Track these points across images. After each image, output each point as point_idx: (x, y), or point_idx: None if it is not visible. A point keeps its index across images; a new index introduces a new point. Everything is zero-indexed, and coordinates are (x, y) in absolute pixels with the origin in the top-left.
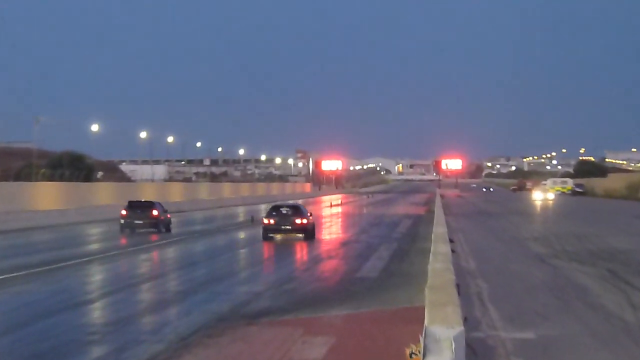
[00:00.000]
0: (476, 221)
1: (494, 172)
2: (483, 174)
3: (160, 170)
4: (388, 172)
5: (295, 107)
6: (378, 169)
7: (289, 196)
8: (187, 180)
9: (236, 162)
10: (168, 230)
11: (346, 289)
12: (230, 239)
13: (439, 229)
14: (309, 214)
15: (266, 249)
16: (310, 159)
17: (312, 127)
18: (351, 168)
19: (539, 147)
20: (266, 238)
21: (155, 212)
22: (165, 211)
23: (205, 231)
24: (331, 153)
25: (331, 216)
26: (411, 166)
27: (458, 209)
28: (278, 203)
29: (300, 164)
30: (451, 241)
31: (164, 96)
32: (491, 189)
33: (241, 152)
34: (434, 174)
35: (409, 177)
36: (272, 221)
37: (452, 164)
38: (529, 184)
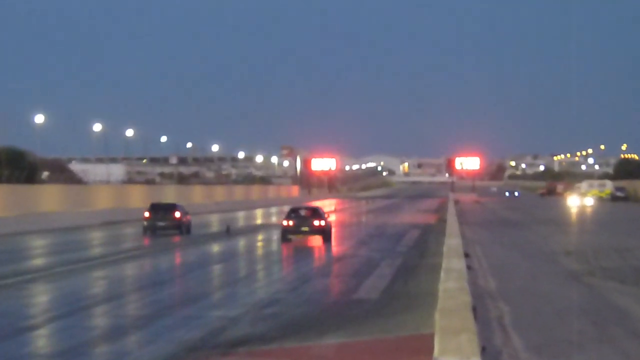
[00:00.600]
0: (497, 232)
1: (519, 173)
2: (505, 176)
3: (117, 170)
4: (391, 172)
5: (281, 98)
6: (379, 169)
7: (273, 201)
8: (150, 182)
9: (209, 160)
10: (188, 232)
11: (340, 312)
12: (203, 253)
13: (452, 240)
14: (327, 216)
15: (246, 265)
16: (298, 158)
17: (301, 120)
18: (347, 168)
19: (573, 143)
20: (285, 240)
21: (178, 214)
22: (187, 213)
23: (172, 244)
24: (323, 150)
25: None
26: (419, 165)
27: (475, 217)
28: (296, 205)
29: (285, 163)
30: (466, 256)
31: (123, 83)
32: (515, 194)
33: (215, 148)
34: (447, 175)
35: (417, 179)
36: (290, 223)
37: (469, 163)
38: (560, 188)
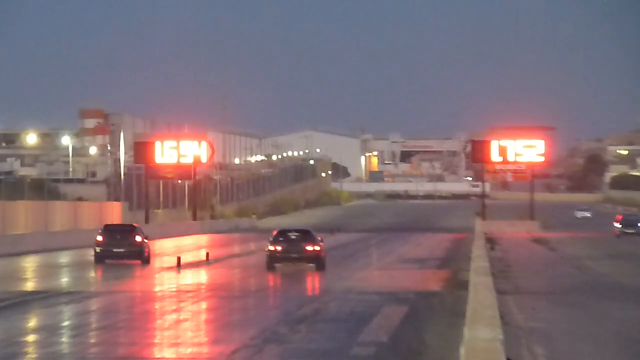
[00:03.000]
0: (587, 313)
1: (637, 173)
2: (606, 179)
3: None
4: (342, 171)
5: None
6: (313, 162)
7: (39, 241)
8: None
9: None
10: (147, 261)
11: None
12: None
13: (478, 331)
14: (319, 239)
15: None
16: (122, 137)
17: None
18: (238, 161)
19: None
20: (271, 268)
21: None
22: (146, 237)
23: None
24: (183, 123)
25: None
26: (409, 154)
27: (535, 275)
28: (285, 228)
29: (93, 150)
30: None
31: None
32: None
33: None
34: (468, 178)
35: (399, 186)
36: (278, 248)
37: (521, 148)
38: None
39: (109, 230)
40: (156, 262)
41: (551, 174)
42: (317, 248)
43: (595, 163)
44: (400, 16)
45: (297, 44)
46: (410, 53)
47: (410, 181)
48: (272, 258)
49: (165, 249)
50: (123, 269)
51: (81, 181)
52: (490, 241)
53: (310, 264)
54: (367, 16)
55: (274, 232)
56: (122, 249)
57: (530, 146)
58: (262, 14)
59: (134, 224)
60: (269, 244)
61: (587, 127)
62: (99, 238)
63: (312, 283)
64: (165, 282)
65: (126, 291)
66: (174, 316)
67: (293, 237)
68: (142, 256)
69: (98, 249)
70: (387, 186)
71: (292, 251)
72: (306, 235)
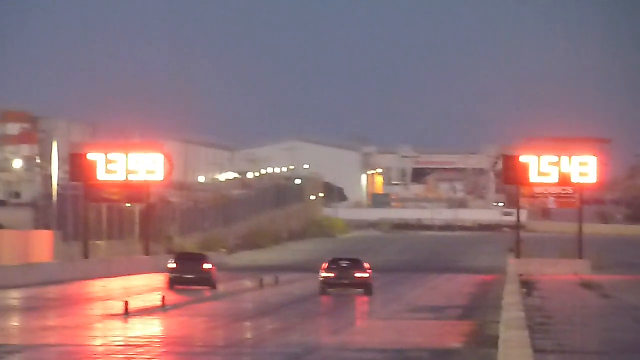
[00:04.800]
0: None
1: None
2: None
3: None
4: (339, 194)
5: None
6: (299, 181)
7: None
8: None
9: None
10: (214, 286)
11: None
12: None
13: None
14: (368, 267)
15: None
16: (55, 145)
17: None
18: (203, 179)
19: None
20: (324, 293)
21: (207, 266)
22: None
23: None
24: (131, 129)
25: None
26: (422, 172)
27: (582, 330)
28: (336, 257)
29: (18, 164)
30: None
31: None
32: None
33: None
34: (499, 204)
35: (409, 214)
36: (331, 274)
37: (567, 165)
38: None
39: (181, 258)
40: (98, 308)
41: (605, 199)
42: (366, 275)
43: None
44: (413, 7)
45: (280, 34)
46: (424, 47)
47: (424, 207)
48: (325, 284)
49: (109, 291)
50: (56, 316)
51: (1, 203)
52: (527, 285)
53: (359, 289)
54: (371, 4)
55: (325, 264)
56: (192, 275)
57: (579, 163)
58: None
59: (203, 253)
60: (322, 271)
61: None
62: (172, 265)
63: (299, 336)
64: (108, 333)
65: (57, 345)
66: None
67: (344, 265)
68: (210, 282)
69: (171, 275)
70: (395, 213)
71: (344, 277)
72: (356, 263)
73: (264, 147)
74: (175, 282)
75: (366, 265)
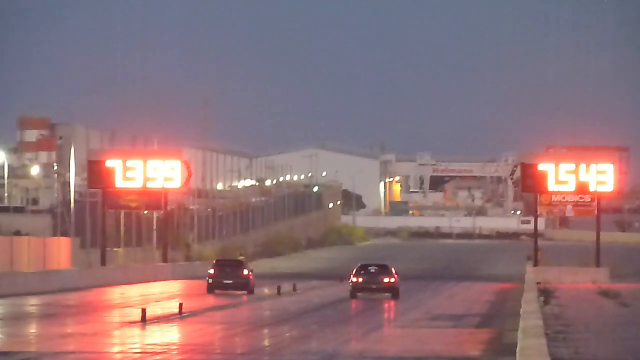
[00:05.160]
0: None
1: None
2: None
3: None
4: (357, 202)
5: None
6: (317, 188)
7: None
8: None
9: None
10: (252, 291)
11: None
12: None
13: None
14: (395, 272)
15: None
16: (72, 152)
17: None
18: (221, 187)
19: None
20: (354, 296)
21: (245, 272)
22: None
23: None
24: (150, 136)
25: None
26: (441, 180)
27: (601, 338)
28: (365, 263)
29: (36, 170)
30: None
31: None
32: None
33: None
34: (517, 212)
35: (428, 222)
36: (360, 279)
37: (585, 174)
38: None
39: (220, 264)
40: (116, 315)
41: (624, 207)
42: (393, 280)
43: None
44: (430, 8)
45: (300, 42)
46: (444, 55)
47: (442, 215)
48: (355, 288)
49: (127, 298)
50: (74, 324)
51: (19, 210)
52: (545, 293)
53: (387, 294)
54: (388, 11)
55: (355, 269)
56: (231, 281)
57: (597, 171)
58: (258, 6)
59: (241, 259)
60: (352, 276)
61: None
62: (211, 271)
63: (318, 344)
64: (126, 340)
65: (76, 352)
66: None
67: (372, 270)
68: (248, 287)
69: (210, 280)
70: (413, 221)
71: (372, 282)
72: (384, 269)
73: (283, 155)
74: (214, 287)
75: (393, 270)
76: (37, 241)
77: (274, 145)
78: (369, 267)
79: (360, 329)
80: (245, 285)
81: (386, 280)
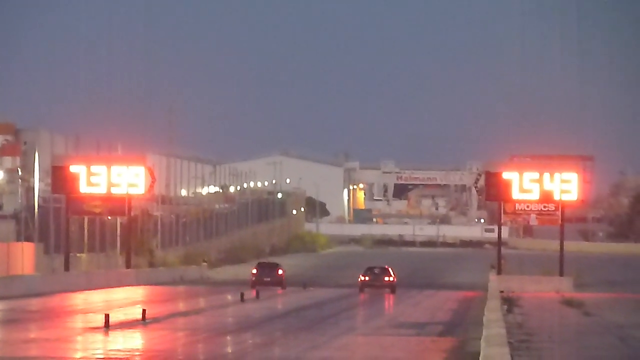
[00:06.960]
0: None
1: None
2: None
3: None
4: (321, 209)
5: None
6: (281, 195)
7: None
8: None
9: None
10: (284, 287)
11: None
12: None
13: None
14: (394, 273)
15: None
16: (37, 158)
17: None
18: (185, 193)
19: None
20: (362, 291)
21: (280, 272)
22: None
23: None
24: (114, 142)
25: None
26: (405, 188)
27: (564, 347)
28: (371, 265)
29: (1, 175)
30: None
31: None
32: None
33: None
34: (480, 221)
35: (391, 230)
36: (367, 278)
37: (549, 183)
38: None
39: (261, 266)
40: (79, 321)
41: (588, 217)
42: (392, 279)
43: None
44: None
45: (264, 49)
46: (407, 63)
47: (406, 223)
48: (363, 284)
49: (90, 304)
50: (37, 329)
51: None
52: (508, 302)
53: (387, 289)
54: (354, 16)
55: (363, 271)
56: (270, 279)
57: (561, 180)
58: (222, 14)
59: (277, 262)
60: (361, 275)
61: (635, 158)
62: (254, 271)
63: (280, 350)
64: (89, 346)
65: (38, 357)
66: None
67: (376, 271)
68: (282, 283)
69: (253, 279)
70: (377, 229)
71: (376, 280)
72: (385, 270)
73: (247, 162)
74: (256, 284)
75: (392, 272)
76: (0, 246)
77: (238, 152)
78: (374, 269)
79: (324, 337)
80: (280, 283)
81: (387, 279)
